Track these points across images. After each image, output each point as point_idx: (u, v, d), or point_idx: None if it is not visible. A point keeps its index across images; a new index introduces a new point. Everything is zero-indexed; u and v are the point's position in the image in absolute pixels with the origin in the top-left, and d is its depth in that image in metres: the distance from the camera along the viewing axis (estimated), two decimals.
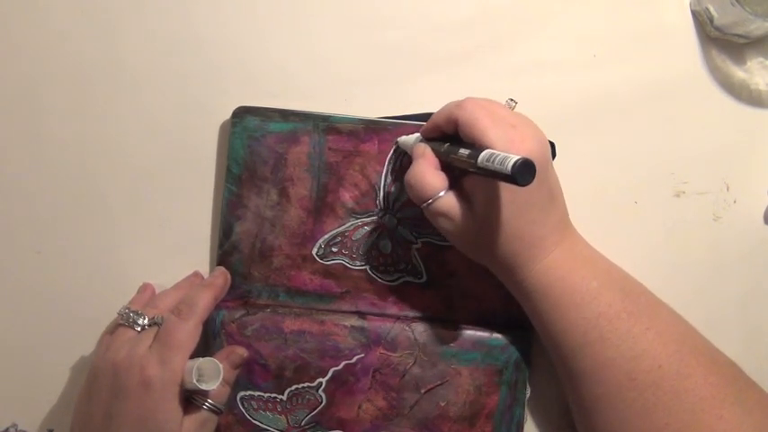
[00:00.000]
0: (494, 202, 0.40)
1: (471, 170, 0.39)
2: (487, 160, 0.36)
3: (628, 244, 0.49)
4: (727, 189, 0.50)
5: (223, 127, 0.50)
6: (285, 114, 0.48)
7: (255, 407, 0.47)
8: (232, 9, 0.50)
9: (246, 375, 0.47)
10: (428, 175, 0.42)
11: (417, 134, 0.46)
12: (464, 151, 0.39)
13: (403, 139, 0.47)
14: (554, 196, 0.43)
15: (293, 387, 0.47)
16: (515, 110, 0.44)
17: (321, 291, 0.48)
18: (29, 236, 0.51)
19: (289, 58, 0.50)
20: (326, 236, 0.48)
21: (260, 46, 0.50)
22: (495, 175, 0.36)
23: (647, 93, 0.50)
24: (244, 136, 0.48)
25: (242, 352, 0.46)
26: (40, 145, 0.51)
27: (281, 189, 0.48)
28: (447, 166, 0.43)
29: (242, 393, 0.47)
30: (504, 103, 0.44)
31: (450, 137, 0.43)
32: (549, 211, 0.42)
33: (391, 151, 0.48)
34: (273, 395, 0.47)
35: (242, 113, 0.48)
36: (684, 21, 0.50)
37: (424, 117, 0.48)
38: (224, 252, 0.48)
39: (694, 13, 0.50)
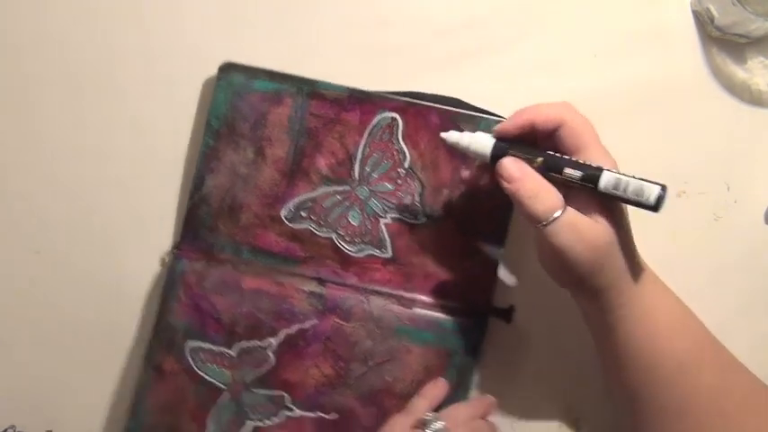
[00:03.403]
0: (619, 222, 0.40)
1: (587, 190, 0.38)
2: (614, 188, 0.36)
3: None
4: (728, 189, 0.50)
5: (208, 83, 0.50)
6: (271, 74, 0.48)
7: (203, 359, 0.47)
8: (233, 10, 0.50)
9: (199, 327, 0.47)
10: (545, 191, 0.39)
11: (489, 135, 0.42)
12: (574, 172, 0.38)
13: (468, 138, 0.42)
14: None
15: (244, 344, 0.47)
16: None
17: (285, 253, 0.48)
18: (29, 236, 0.51)
19: (289, 58, 0.49)
20: (297, 199, 0.48)
21: (260, 46, 0.50)
22: (625, 201, 0.36)
23: (647, 93, 0.50)
24: (228, 91, 0.48)
25: None
26: (39, 145, 0.51)
27: (257, 148, 0.48)
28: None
29: (192, 344, 0.47)
30: None
31: (523, 140, 0.41)
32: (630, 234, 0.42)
33: (372, 123, 0.48)
34: (223, 349, 0.47)
35: (228, 69, 0.48)
36: (685, 20, 0.50)
37: (409, 95, 0.48)
38: (193, 204, 0.48)
39: (695, 13, 0.50)
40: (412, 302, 0.48)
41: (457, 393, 0.47)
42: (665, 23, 0.50)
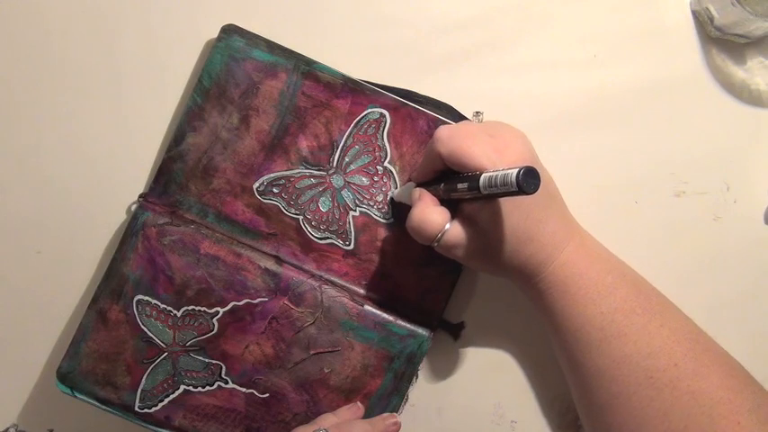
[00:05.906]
0: (498, 216, 0.40)
1: (479, 198, 0.39)
2: (489, 185, 0.36)
3: (628, 244, 0.47)
4: (728, 189, 0.49)
5: (210, 44, 0.49)
6: (272, 46, 0.47)
7: (148, 313, 0.47)
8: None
9: (150, 281, 0.47)
10: (428, 213, 0.42)
11: (410, 182, 0.46)
12: (462, 185, 0.39)
13: (397, 191, 0.47)
14: (550, 189, 0.43)
15: (190, 307, 0.47)
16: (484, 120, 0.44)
17: (249, 225, 0.48)
18: (29, 236, 0.50)
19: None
20: (272, 175, 0.48)
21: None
22: (503, 195, 0.36)
23: (647, 93, 0.49)
24: (225, 53, 0.47)
25: None
26: (40, 144, 0.50)
27: (243, 116, 0.48)
28: (446, 201, 0.43)
29: (139, 297, 0.47)
30: (471, 118, 0.44)
31: (442, 175, 0.43)
32: (551, 206, 0.42)
33: (361, 114, 0.47)
34: (169, 308, 0.47)
35: (231, 31, 0.47)
36: (685, 21, 0.49)
37: (403, 92, 0.48)
38: (169, 157, 0.48)
39: (694, 13, 0.49)
40: (364, 299, 0.47)
41: (391, 400, 0.47)
42: (665, 23, 0.49)
